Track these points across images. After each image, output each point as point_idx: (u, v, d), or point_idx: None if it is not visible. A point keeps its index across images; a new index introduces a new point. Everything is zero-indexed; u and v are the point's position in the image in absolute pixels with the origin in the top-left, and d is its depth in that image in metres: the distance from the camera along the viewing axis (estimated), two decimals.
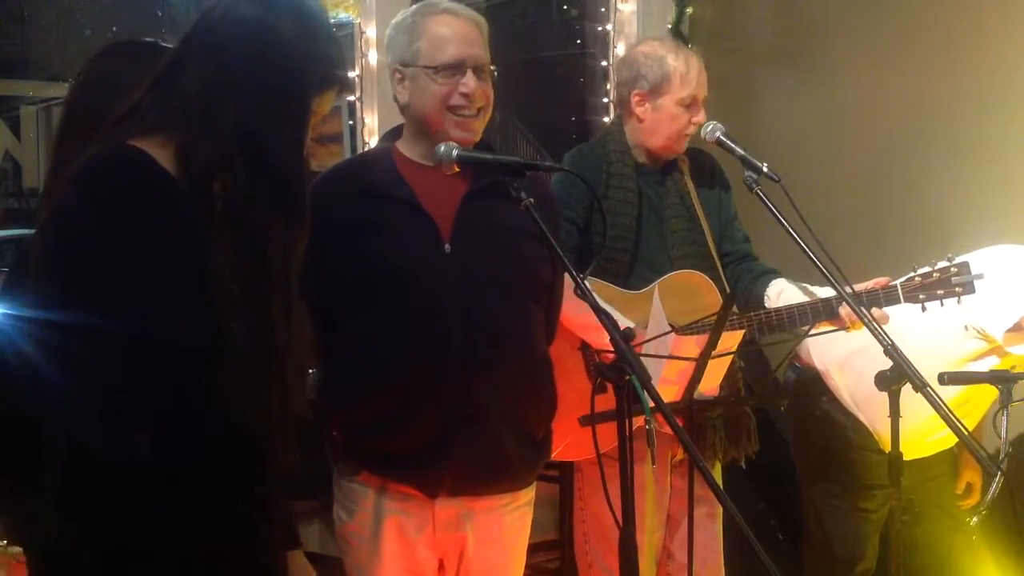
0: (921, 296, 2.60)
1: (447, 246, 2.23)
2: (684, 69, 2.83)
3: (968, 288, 2.60)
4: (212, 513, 1.57)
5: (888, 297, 2.62)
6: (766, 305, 2.78)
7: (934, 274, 2.60)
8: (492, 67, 2.32)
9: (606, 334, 2.47)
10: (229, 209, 1.58)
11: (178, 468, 1.53)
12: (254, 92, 1.58)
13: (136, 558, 1.52)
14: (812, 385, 3.14)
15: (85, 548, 1.52)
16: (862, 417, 3.03)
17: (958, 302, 2.61)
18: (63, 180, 1.57)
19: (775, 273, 2.86)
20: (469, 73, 2.26)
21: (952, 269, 2.59)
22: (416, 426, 2.20)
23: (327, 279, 2.25)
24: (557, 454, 2.61)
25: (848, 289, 2.49)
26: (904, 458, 2.54)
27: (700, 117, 2.83)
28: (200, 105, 1.56)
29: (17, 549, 1.80)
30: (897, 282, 2.62)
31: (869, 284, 2.63)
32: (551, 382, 2.38)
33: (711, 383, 2.54)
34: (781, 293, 2.78)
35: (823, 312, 2.66)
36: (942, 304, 2.61)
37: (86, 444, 1.48)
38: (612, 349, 1.77)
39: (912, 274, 2.61)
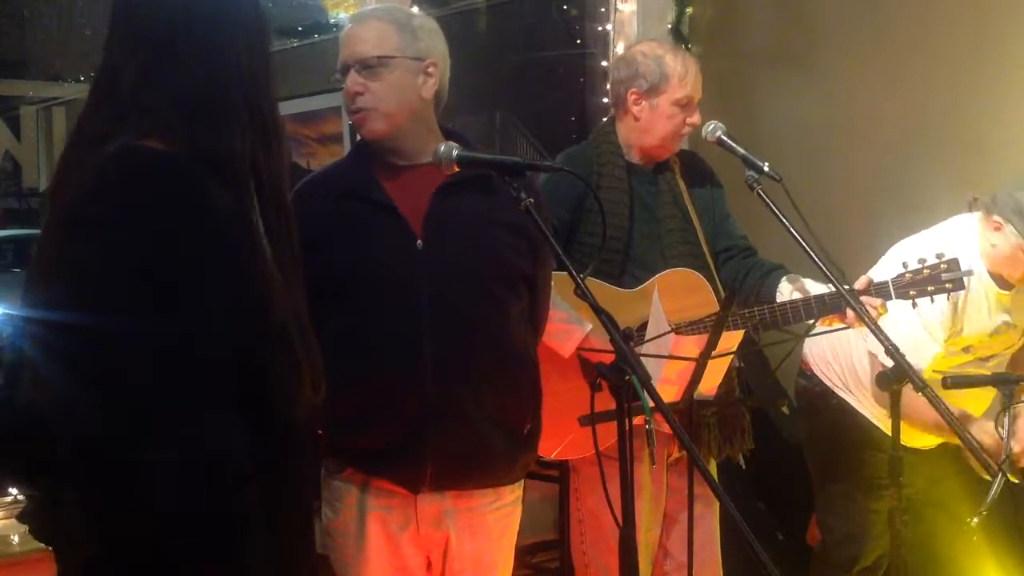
0: (912, 292, 2.61)
1: (419, 242, 2.24)
2: (682, 70, 2.85)
3: (958, 284, 2.61)
4: (260, 508, 1.57)
5: (879, 293, 2.62)
6: (778, 300, 2.78)
7: (924, 271, 2.61)
8: (380, 57, 2.26)
9: (570, 341, 2.51)
10: (259, 186, 1.60)
11: (233, 463, 1.53)
12: (240, 66, 1.60)
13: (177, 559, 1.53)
14: (824, 389, 3.15)
15: (118, 551, 1.53)
16: (867, 412, 3.04)
17: (948, 298, 2.63)
18: (70, 184, 1.56)
19: (784, 269, 2.85)
20: (351, 73, 2.28)
21: (942, 265, 2.60)
22: (394, 422, 2.21)
23: (305, 281, 2.26)
24: (556, 453, 2.61)
25: (846, 286, 2.49)
26: (924, 446, 2.55)
27: (695, 118, 2.86)
28: (200, 101, 1.56)
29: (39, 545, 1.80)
30: (888, 278, 2.63)
31: (856, 285, 2.63)
32: (533, 375, 2.37)
33: (711, 384, 2.54)
34: (792, 293, 2.78)
35: (816, 309, 2.66)
36: (932, 300, 2.63)
37: (143, 447, 1.48)
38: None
39: (902, 271, 2.62)
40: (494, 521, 2.36)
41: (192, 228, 1.48)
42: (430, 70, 2.31)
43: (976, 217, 2.89)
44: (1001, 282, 2.88)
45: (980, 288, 2.86)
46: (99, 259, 1.48)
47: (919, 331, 2.80)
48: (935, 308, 2.78)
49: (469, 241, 2.27)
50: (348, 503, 2.29)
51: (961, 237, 2.86)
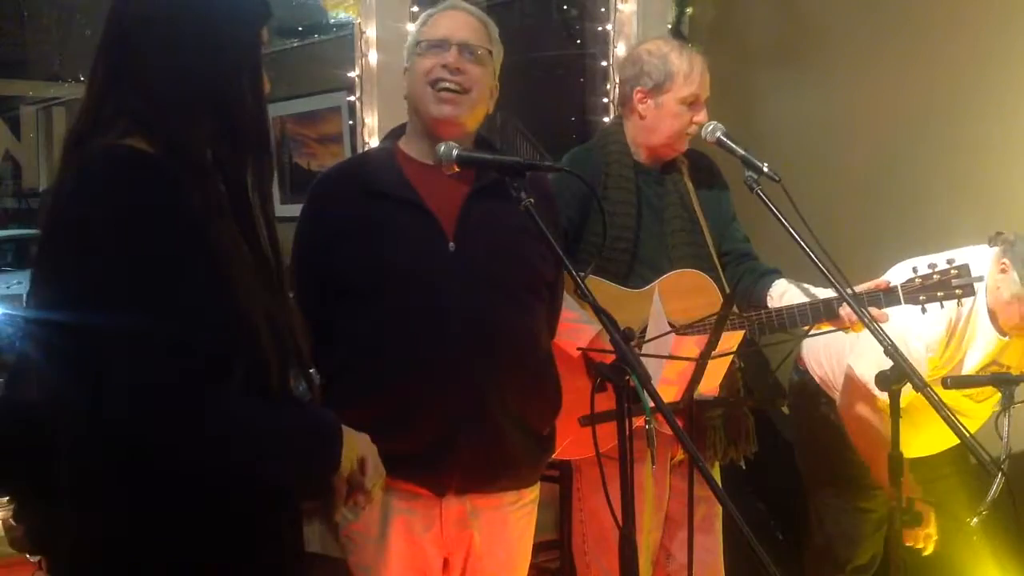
0: (921, 297, 2.60)
1: (451, 245, 2.24)
2: (687, 68, 2.83)
3: (968, 290, 2.59)
4: (242, 511, 1.58)
5: (888, 298, 2.61)
6: (768, 305, 2.78)
7: (934, 276, 2.59)
8: (487, 51, 2.31)
9: (579, 341, 2.51)
10: (227, 185, 1.60)
11: (212, 463, 1.53)
12: (210, 64, 1.59)
13: (162, 559, 1.53)
14: (816, 387, 3.15)
15: (106, 550, 1.53)
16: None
17: (958, 304, 2.61)
18: (56, 184, 1.57)
19: (777, 273, 2.86)
20: (453, 49, 2.28)
21: (952, 271, 2.59)
22: (422, 425, 2.21)
23: (329, 279, 2.26)
24: (557, 453, 2.61)
25: (849, 290, 2.49)
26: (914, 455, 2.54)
27: (702, 116, 2.84)
28: (167, 99, 1.56)
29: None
30: (897, 283, 2.62)
31: (869, 285, 2.63)
32: (555, 379, 2.38)
33: (711, 383, 2.54)
34: (784, 294, 2.78)
35: (823, 312, 2.66)
36: (942, 306, 2.61)
37: (119, 445, 1.48)
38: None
39: (912, 275, 2.61)
40: (515, 521, 2.38)
41: (168, 225, 1.49)
42: (495, 90, 2.38)
43: (993, 253, 2.84)
44: (997, 324, 2.84)
45: (981, 325, 2.84)
46: (80, 259, 1.48)
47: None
48: (931, 332, 2.78)
49: (499, 246, 2.27)
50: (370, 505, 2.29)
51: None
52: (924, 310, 2.61)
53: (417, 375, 2.20)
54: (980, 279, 2.63)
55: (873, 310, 2.55)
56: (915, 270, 2.62)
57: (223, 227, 1.56)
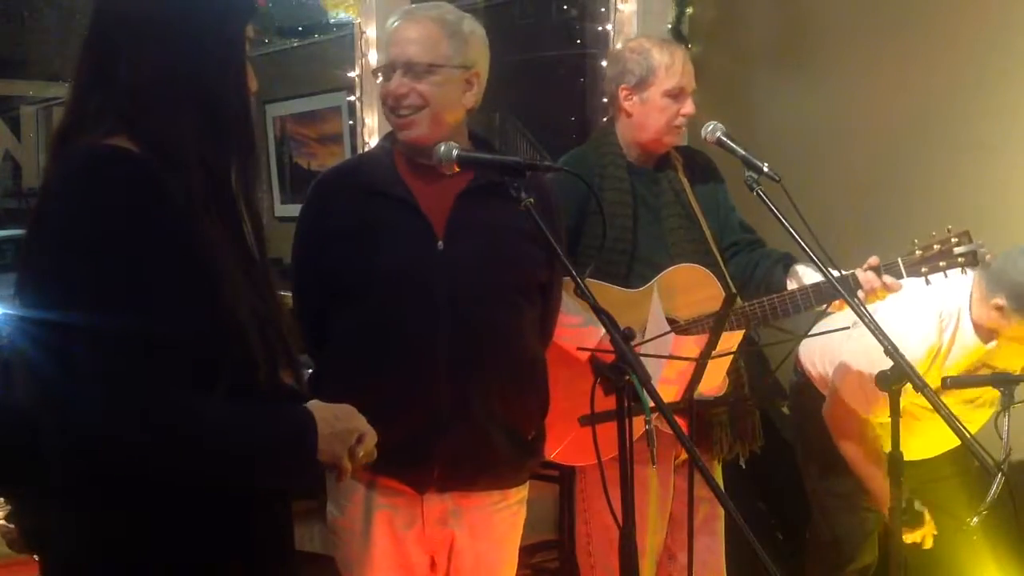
0: (923, 269, 2.56)
1: (440, 244, 2.24)
2: (669, 60, 2.84)
3: (971, 259, 2.54)
4: (231, 508, 1.57)
5: (889, 272, 2.59)
6: (789, 288, 2.76)
7: (935, 246, 2.55)
8: (431, 64, 2.27)
9: (585, 341, 2.51)
10: (212, 183, 1.59)
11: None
12: (195, 62, 1.59)
13: (153, 561, 1.53)
14: (814, 388, 3.15)
15: (99, 549, 1.53)
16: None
17: (962, 272, 2.57)
18: (44, 188, 1.57)
19: (790, 257, 2.84)
20: (396, 73, 2.29)
21: (953, 240, 2.54)
22: (405, 422, 2.21)
23: (324, 276, 2.28)
24: (561, 457, 2.61)
25: (845, 273, 2.48)
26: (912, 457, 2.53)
27: (688, 108, 2.84)
28: (151, 97, 1.56)
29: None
30: (898, 257, 2.60)
31: (863, 267, 2.62)
32: (543, 382, 2.38)
33: (712, 382, 2.54)
34: (804, 276, 2.75)
35: (825, 296, 2.64)
36: (946, 276, 2.56)
37: (106, 444, 1.48)
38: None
39: (913, 248, 2.58)
40: (500, 521, 2.38)
41: (152, 225, 1.48)
42: (473, 80, 2.33)
43: (972, 274, 2.71)
44: (984, 335, 2.79)
45: (966, 340, 2.79)
46: (64, 259, 1.48)
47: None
48: (912, 354, 2.74)
49: (489, 246, 2.28)
50: (355, 500, 2.30)
51: (950, 284, 2.68)
52: (928, 282, 2.57)
53: (402, 372, 2.22)
54: (982, 245, 2.55)
55: (887, 279, 2.54)
56: (915, 242, 2.58)
57: (208, 225, 1.56)
